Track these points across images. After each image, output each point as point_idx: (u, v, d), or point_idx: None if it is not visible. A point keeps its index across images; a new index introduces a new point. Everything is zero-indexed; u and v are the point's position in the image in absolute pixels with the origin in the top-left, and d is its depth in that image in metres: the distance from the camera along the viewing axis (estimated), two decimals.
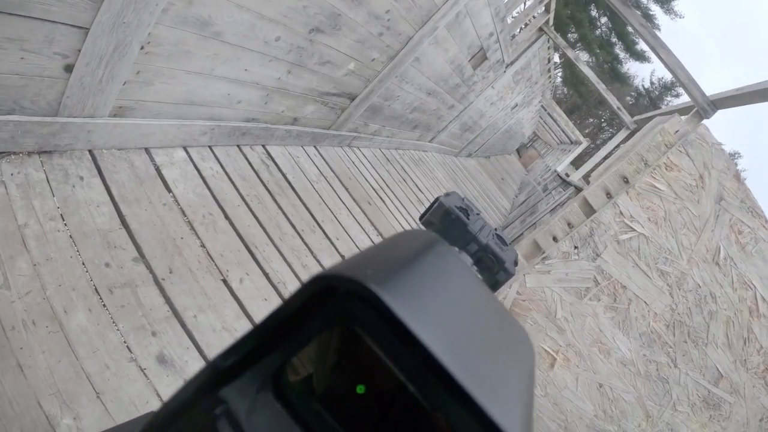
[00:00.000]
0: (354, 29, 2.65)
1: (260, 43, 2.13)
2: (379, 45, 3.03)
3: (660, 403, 1.09)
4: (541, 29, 6.00)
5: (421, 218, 0.66)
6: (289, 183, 2.69)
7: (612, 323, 1.02)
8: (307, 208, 2.62)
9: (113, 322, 1.35)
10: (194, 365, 1.42)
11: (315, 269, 2.20)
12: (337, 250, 2.54)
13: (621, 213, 0.95)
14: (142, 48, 1.61)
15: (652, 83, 26.90)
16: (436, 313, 0.22)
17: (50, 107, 1.52)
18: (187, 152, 2.17)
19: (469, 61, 4.69)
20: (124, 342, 1.33)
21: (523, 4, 5.78)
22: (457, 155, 8.52)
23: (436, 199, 0.66)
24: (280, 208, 2.40)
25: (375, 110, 3.85)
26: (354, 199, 3.21)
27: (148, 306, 1.47)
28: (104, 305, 1.36)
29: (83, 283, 1.36)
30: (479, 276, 0.65)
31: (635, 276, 0.97)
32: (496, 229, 0.71)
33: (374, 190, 3.69)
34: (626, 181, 0.94)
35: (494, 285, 0.65)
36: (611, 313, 1.02)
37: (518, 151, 27.25)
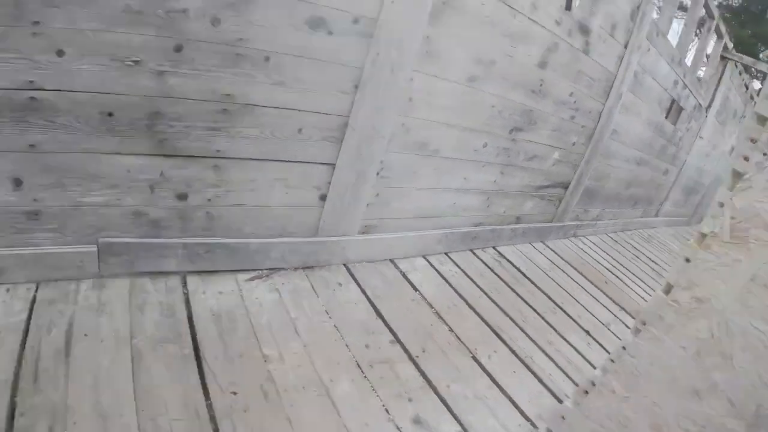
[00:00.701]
0: (547, 120, 2.75)
1: (471, 152, 2.39)
2: (575, 128, 3.06)
3: None
4: (722, 57, 5.33)
5: None
6: (523, 274, 2.79)
7: None
8: (544, 293, 2.65)
9: (373, 390, 1.41)
10: (448, 427, 1.40)
11: (561, 345, 2.19)
12: (581, 326, 2.47)
13: None
14: (377, 174, 1.99)
15: None
16: None
17: (310, 230, 1.91)
18: (427, 260, 2.44)
19: (665, 117, 4.40)
20: (383, 406, 1.35)
21: (694, 39, 5.31)
22: (689, 224, 7.77)
23: None
24: (518, 295, 2.48)
25: (590, 194, 3.85)
26: (590, 281, 3.20)
27: (404, 378, 1.53)
28: (365, 377, 1.45)
29: (346, 359, 1.50)
30: None
31: None
32: None
33: (608, 270, 3.64)
34: None
35: None
36: None
37: None
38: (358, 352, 1.54)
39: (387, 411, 1.33)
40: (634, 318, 2.79)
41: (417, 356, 1.64)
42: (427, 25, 1.77)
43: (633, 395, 1.15)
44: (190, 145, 1.45)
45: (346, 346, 1.56)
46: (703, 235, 1.03)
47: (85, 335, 1.22)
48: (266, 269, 1.81)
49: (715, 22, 4.75)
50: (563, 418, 1.28)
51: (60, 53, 1.13)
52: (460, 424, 1.41)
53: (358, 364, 1.49)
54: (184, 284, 1.57)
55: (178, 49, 1.29)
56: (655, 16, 3.41)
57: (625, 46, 3.05)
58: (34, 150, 1.21)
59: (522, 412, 1.59)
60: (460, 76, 2.04)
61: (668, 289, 1.07)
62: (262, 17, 1.38)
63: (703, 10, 4.49)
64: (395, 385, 1.46)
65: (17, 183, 1.23)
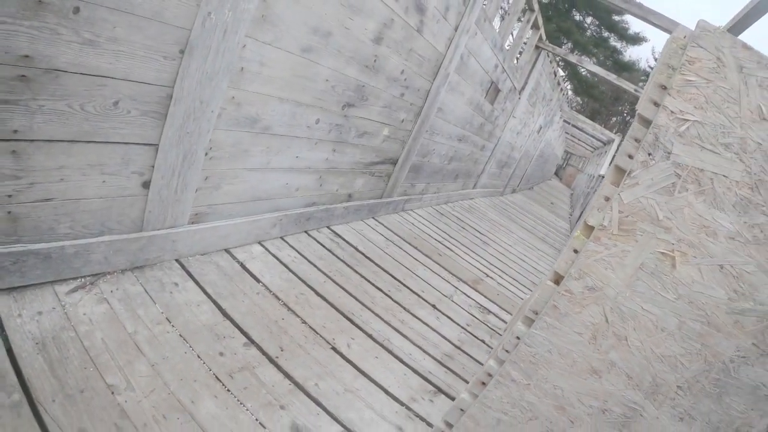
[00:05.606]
0: (379, 96, 2.69)
1: (304, 129, 2.20)
2: (404, 105, 3.07)
3: None
4: (537, 47, 6.05)
5: None
6: (362, 253, 2.81)
7: (706, 205, 1.03)
8: (386, 272, 2.70)
9: (241, 404, 1.32)
10: (328, 428, 1.38)
11: (412, 322, 2.26)
12: (425, 300, 2.57)
13: (672, 112, 1.02)
14: (206, 154, 1.71)
15: (656, 59, 31.48)
16: None
17: (135, 224, 1.57)
18: (263, 246, 2.31)
19: (485, 97, 4.70)
20: (256, 419, 1.29)
21: (513, 30, 5.39)
22: (503, 194, 8.82)
23: None
24: (362, 276, 2.50)
25: (417, 169, 3.99)
26: (425, 254, 3.33)
27: (270, 383, 1.45)
28: (228, 390, 1.35)
29: (203, 373, 1.37)
30: None
31: (706, 157, 1.01)
32: None
33: (439, 242, 3.82)
34: (664, 87, 1.04)
35: None
36: (701, 196, 1.04)
37: (557, 174, 30.84)
38: (213, 363, 1.41)
39: (262, 425, 1.25)
40: (471, 287, 3.11)
41: (276, 357, 1.56)
42: None
43: (534, 381, 1.23)
44: None
45: (199, 357, 1.41)
46: (590, 228, 1.14)
47: None
48: (89, 276, 1.50)
49: (534, 15, 5.29)
50: (462, 410, 1.31)
51: None
52: (341, 424, 1.38)
53: (216, 377, 1.36)
54: None
55: None
56: (484, 2, 3.41)
57: (456, 29, 3.12)
58: None
59: (395, 398, 1.63)
60: (296, 46, 1.85)
61: (557, 279, 1.19)
62: None
63: (525, 3, 4.73)
64: (262, 393, 1.36)
65: None
